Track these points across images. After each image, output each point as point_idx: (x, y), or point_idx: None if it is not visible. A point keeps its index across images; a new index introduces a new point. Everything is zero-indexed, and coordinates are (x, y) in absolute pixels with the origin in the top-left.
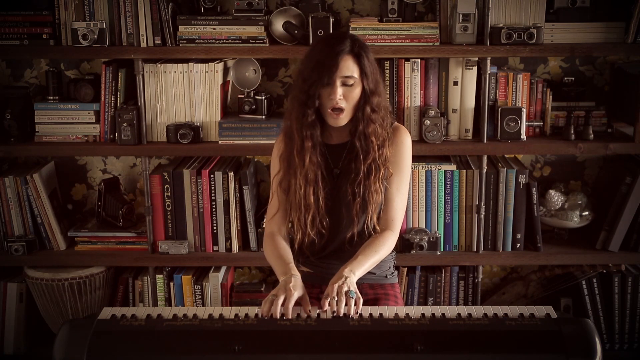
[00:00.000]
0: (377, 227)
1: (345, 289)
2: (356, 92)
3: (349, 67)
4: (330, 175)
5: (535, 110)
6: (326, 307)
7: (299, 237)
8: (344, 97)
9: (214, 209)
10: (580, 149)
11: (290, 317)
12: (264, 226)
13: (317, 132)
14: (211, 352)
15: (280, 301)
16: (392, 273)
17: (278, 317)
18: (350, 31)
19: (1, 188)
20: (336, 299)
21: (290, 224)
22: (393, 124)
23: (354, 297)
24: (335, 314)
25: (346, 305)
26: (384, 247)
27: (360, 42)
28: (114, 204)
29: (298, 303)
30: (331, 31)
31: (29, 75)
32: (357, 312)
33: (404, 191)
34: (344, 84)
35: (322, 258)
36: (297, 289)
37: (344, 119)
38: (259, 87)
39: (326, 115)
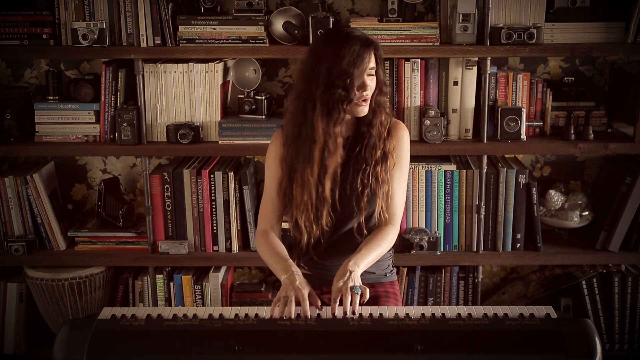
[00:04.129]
0: (385, 216)
1: (350, 284)
2: (375, 81)
3: (372, 59)
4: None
5: (535, 110)
6: (336, 309)
7: (305, 237)
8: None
9: (214, 209)
10: (580, 149)
11: (309, 316)
12: None
13: (344, 128)
14: (211, 352)
15: (294, 302)
16: (391, 271)
17: (293, 317)
18: None
19: (1, 188)
20: (337, 299)
21: (295, 225)
22: (392, 120)
23: (359, 293)
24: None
25: (351, 302)
26: (386, 241)
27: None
28: (114, 204)
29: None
30: None
31: (29, 75)
32: (363, 302)
33: (403, 186)
34: (369, 75)
35: (326, 257)
36: (304, 287)
37: (368, 106)
38: (259, 87)
39: (353, 106)
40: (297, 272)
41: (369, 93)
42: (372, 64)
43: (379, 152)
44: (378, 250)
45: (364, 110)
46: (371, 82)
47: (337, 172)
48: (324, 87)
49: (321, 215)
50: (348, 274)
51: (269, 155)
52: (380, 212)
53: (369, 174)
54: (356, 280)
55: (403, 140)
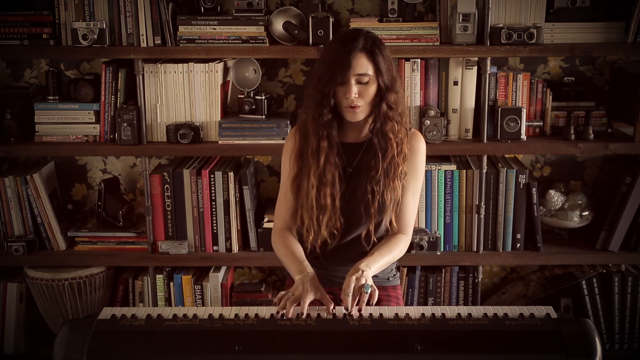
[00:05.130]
0: (395, 225)
1: (362, 281)
2: (372, 89)
3: (363, 65)
4: (344, 174)
5: (535, 110)
6: (348, 303)
7: (311, 237)
8: (359, 95)
9: (214, 209)
10: (580, 149)
11: (304, 314)
12: (263, 226)
13: (333, 132)
14: (211, 352)
15: (294, 301)
16: (394, 275)
17: (290, 316)
18: None
19: (1, 188)
20: (350, 294)
21: (301, 223)
22: (411, 128)
23: (369, 292)
24: (348, 311)
25: (360, 300)
26: (397, 249)
27: (375, 38)
28: (114, 204)
29: (319, 302)
30: (330, 32)
31: (29, 75)
32: (373, 303)
33: (417, 196)
34: (358, 82)
35: (333, 259)
36: (314, 289)
37: (360, 114)
38: (259, 87)
39: (343, 111)
40: (311, 273)
41: (357, 101)
42: (362, 69)
43: (387, 161)
44: (389, 256)
45: (354, 116)
46: (362, 89)
47: (336, 178)
48: (312, 88)
49: (324, 218)
50: (360, 272)
51: (284, 152)
52: (389, 221)
53: (379, 181)
54: (368, 279)
55: (419, 152)
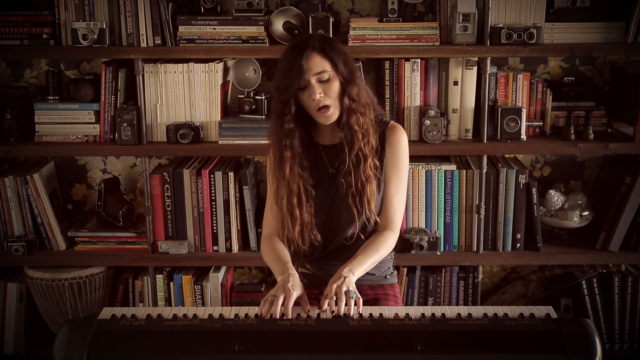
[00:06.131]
0: (378, 220)
1: (344, 288)
2: (335, 85)
3: (318, 64)
4: (326, 175)
5: (535, 110)
6: (325, 307)
7: (292, 248)
8: (324, 94)
9: (214, 209)
10: (580, 149)
11: (290, 317)
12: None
13: (296, 142)
14: (211, 352)
15: (280, 301)
16: (392, 273)
17: (278, 317)
18: (350, 31)
19: (1, 188)
20: (335, 299)
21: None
22: (389, 122)
23: (354, 297)
24: (334, 314)
25: (346, 305)
26: (384, 247)
27: (324, 36)
28: (114, 204)
29: (297, 303)
30: (331, 32)
31: (29, 75)
32: (357, 312)
33: (402, 190)
34: (319, 81)
35: (324, 260)
36: (295, 289)
37: (332, 115)
38: (259, 87)
39: (315, 116)
40: (293, 274)
41: (323, 100)
42: (319, 68)
43: (354, 153)
44: (375, 256)
45: (327, 119)
46: (325, 88)
47: (301, 189)
48: (275, 100)
49: (294, 229)
50: (342, 279)
51: (268, 162)
52: (372, 216)
53: (350, 174)
54: (351, 285)
55: (400, 144)
